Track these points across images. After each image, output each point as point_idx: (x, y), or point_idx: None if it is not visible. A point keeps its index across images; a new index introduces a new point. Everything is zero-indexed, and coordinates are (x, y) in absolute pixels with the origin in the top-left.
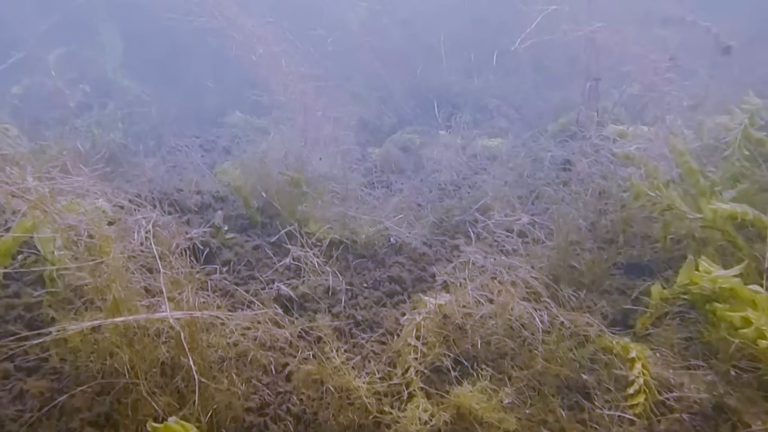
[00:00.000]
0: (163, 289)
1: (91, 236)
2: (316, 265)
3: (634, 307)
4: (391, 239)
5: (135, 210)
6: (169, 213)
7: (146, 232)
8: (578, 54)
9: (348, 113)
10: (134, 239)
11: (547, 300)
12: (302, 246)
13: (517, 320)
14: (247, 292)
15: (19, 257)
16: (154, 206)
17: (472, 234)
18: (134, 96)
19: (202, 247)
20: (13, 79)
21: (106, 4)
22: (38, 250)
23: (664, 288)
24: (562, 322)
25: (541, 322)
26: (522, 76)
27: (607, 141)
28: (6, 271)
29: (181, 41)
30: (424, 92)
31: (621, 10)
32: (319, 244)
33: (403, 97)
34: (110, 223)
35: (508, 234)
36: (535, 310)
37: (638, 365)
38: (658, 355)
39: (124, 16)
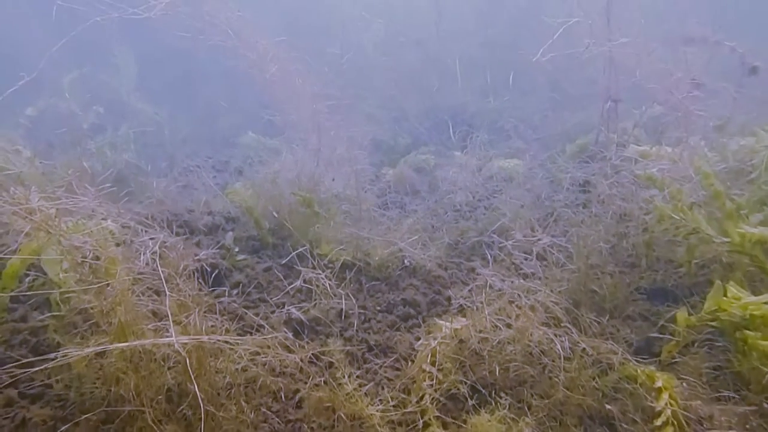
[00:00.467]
0: (169, 314)
1: (96, 258)
2: (328, 288)
3: (659, 335)
4: (406, 261)
5: (142, 231)
6: (180, 234)
7: (152, 254)
8: (596, 74)
9: (362, 133)
10: (141, 261)
11: (568, 325)
12: (314, 268)
13: (536, 346)
14: (257, 315)
15: (27, 279)
16: (164, 227)
17: (488, 256)
18: (148, 117)
19: (211, 269)
20: (27, 100)
21: (120, 25)
22: (45, 272)
23: (690, 314)
24: (584, 349)
25: (562, 348)
26: (538, 97)
27: (628, 162)
28: (13, 294)
29: (194, 62)
30: (439, 112)
31: (642, 29)
32: (331, 266)
33: (418, 117)
34: (117, 245)
35: (526, 256)
36: (556, 335)
37: (665, 395)
38: (685, 385)
39: (138, 38)
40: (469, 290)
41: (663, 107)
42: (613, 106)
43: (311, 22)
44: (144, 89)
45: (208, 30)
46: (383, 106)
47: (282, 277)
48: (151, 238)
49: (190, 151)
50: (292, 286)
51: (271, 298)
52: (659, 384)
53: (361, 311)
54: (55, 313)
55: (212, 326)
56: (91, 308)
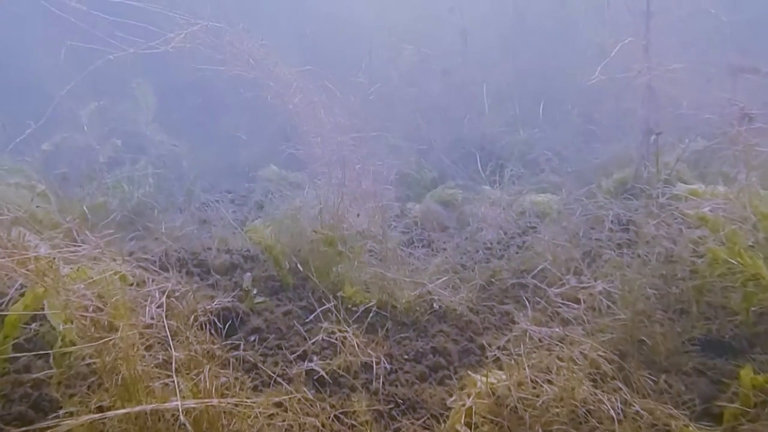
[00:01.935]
0: (174, 377)
1: (99, 309)
2: (351, 336)
3: (719, 392)
4: (435, 304)
5: (152, 277)
6: (195, 274)
7: (158, 306)
8: (630, 104)
9: (387, 166)
10: (149, 311)
11: (617, 382)
12: (336, 312)
13: (582, 405)
14: (275, 364)
15: (33, 325)
16: (180, 268)
17: (525, 300)
18: (167, 150)
19: (228, 313)
20: (44, 134)
21: (139, 57)
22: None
23: (757, 372)
24: (637, 411)
25: (613, 408)
26: (570, 128)
27: (674, 200)
28: (16, 341)
29: (215, 93)
30: (467, 144)
31: (684, 59)
32: (355, 309)
33: (444, 149)
34: (124, 291)
35: (565, 302)
36: (603, 392)
37: None
38: None
39: (157, 69)
40: (506, 340)
41: (707, 141)
42: (654, 139)
43: (337, 49)
44: (163, 121)
45: (229, 60)
46: (409, 138)
47: (303, 322)
48: (159, 288)
49: (209, 184)
50: (312, 331)
51: (290, 346)
52: None
53: (387, 360)
54: (55, 370)
55: (225, 382)
56: (94, 363)
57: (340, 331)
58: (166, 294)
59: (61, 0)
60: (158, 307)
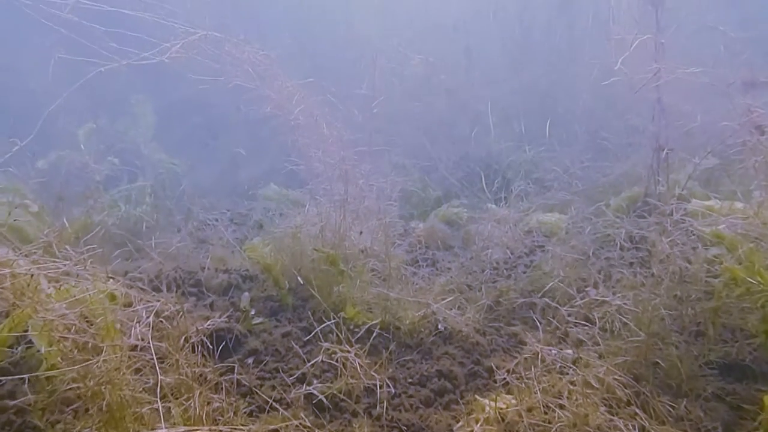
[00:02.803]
0: (158, 402)
1: (83, 330)
2: (353, 358)
3: (740, 419)
4: (440, 325)
5: (142, 295)
6: (192, 294)
7: (149, 325)
8: (637, 121)
9: (390, 184)
10: (138, 332)
11: (634, 407)
12: (338, 333)
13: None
14: (273, 388)
15: (19, 348)
16: (176, 288)
17: (533, 321)
18: (166, 168)
19: (224, 334)
20: (40, 151)
21: (138, 72)
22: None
23: None
24: None
25: None
26: (577, 145)
27: (689, 216)
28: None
29: (215, 109)
30: (472, 162)
31: (694, 74)
32: (357, 330)
33: (449, 166)
34: (113, 311)
35: (577, 321)
36: (619, 418)
37: None
38: None
39: (156, 85)
40: (515, 362)
41: (717, 158)
42: (664, 156)
43: (341, 62)
44: (162, 139)
45: (228, 71)
46: (413, 155)
47: (303, 344)
48: (147, 307)
49: (208, 203)
50: (312, 352)
51: (289, 368)
52: None
53: (391, 384)
54: (36, 396)
55: (218, 407)
56: (78, 387)
57: (341, 351)
58: (153, 313)
59: (53, 11)
60: (145, 328)
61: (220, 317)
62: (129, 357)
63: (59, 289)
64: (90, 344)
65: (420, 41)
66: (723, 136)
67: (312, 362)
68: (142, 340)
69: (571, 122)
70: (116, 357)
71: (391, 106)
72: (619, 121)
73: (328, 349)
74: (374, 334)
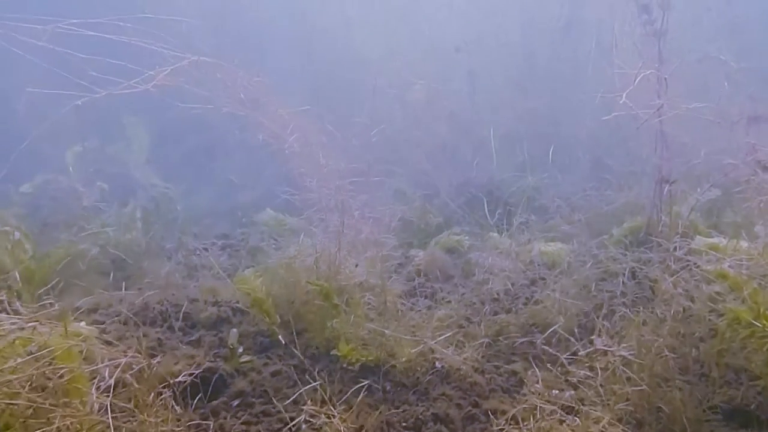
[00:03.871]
0: None
1: (40, 388)
2: (338, 422)
3: None
4: (437, 363)
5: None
6: (178, 329)
7: (105, 392)
8: (640, 150)
9: (389, 212)
10: (95, 398)
11: None
12: (329, 372)
13: None
14: None
15: None
16: (162, 322)
17: (534, 357)
18: (158, 193)
19: (210, 375)
20: (25, 176)
21: (130, 96)
22: None
23: None
24: None
25: None
26: (580, 173)
27: (692, 253)
28: None
29: (211, 133)
30: (474, 189)
31: (696, 105)
32: (351, 368)
33: (450, 194)
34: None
35: (578, 368)
36: None
37: None
38: None
39: (149, 108)
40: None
41: (720, 190)
42: (667, 189)
43: (340, 88)
44: (155, 163)
45: (219, 98)
46: (413, 182)
47: (293, 382)
48: (111, 361)
49: (201, 229)
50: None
51: (277, 412)
52: None
53: (384, 429)
54: None
55: None
56: None
57: (326, 415)
58: (120, 369)
59: (31, 41)
60: (105, 392)
61: (205, 356)
62: (82, 424)
63: (12, 343)
64: (46, 402)
65: (421, 64)
66: (726, 169)
67: (293, 423)
68: (97, 404)
69: (574, 148)
70: (70, 423)
71: (392, 133)
72: (622, 149)
73: (308, 410)
74: (368, 373)
